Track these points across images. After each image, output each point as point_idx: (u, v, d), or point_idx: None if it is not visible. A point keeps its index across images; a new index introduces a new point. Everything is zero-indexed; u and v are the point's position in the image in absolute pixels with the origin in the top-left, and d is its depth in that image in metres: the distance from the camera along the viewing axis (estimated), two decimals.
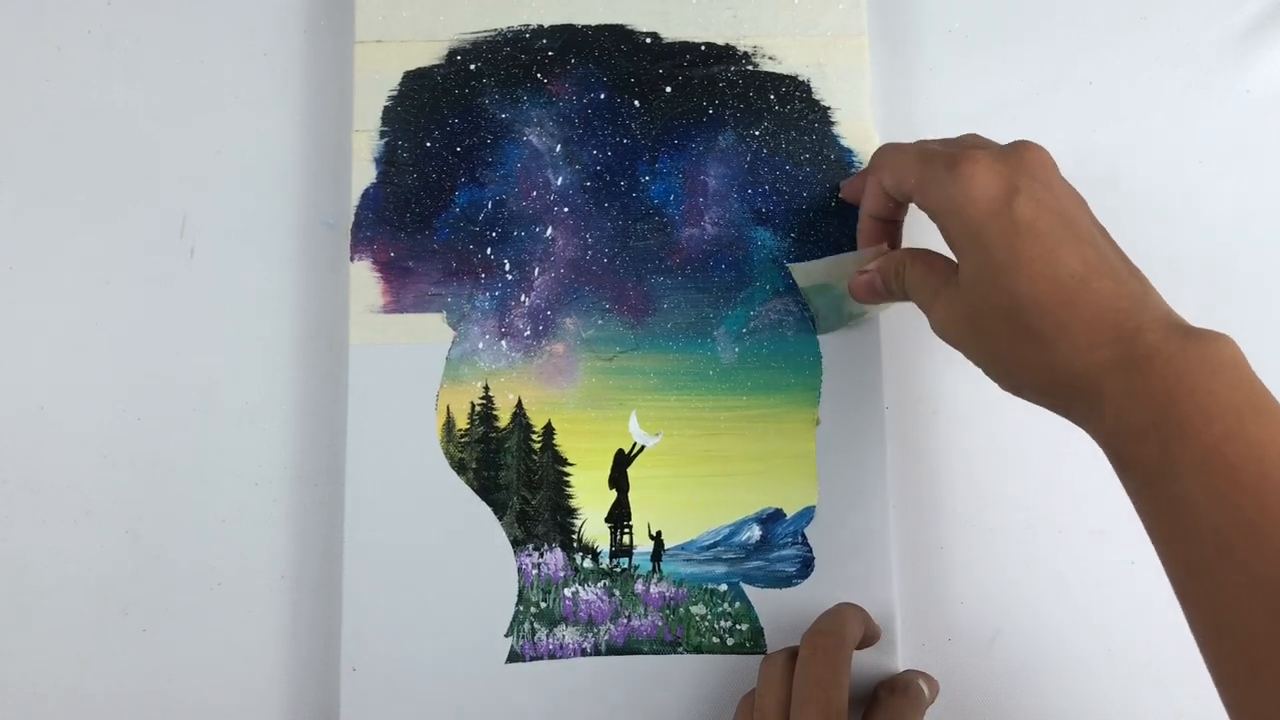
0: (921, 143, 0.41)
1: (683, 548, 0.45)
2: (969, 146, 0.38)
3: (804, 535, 0.45)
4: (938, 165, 0.37)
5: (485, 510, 0.45)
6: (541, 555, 0.45)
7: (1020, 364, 0.36)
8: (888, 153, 0.41)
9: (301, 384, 0.47)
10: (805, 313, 0.46)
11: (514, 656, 0.44)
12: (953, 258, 0.38)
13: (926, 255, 0.40)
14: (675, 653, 0.44)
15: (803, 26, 0.48)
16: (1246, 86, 0.50)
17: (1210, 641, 0.31)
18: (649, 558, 0.45)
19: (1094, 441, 0.35)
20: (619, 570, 0.45)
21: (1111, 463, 0.34)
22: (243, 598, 0.46)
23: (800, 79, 0.48)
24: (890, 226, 0.43)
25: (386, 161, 0.47)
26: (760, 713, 0.39)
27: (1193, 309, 0.35)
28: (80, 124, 0.49)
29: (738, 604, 0.44)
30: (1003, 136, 0.39)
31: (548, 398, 0.46)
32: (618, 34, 0.48)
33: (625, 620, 0.44)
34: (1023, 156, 0.36)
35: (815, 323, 0.46)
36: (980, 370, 0.38)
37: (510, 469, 0.45)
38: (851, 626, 0.40)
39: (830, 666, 0.38)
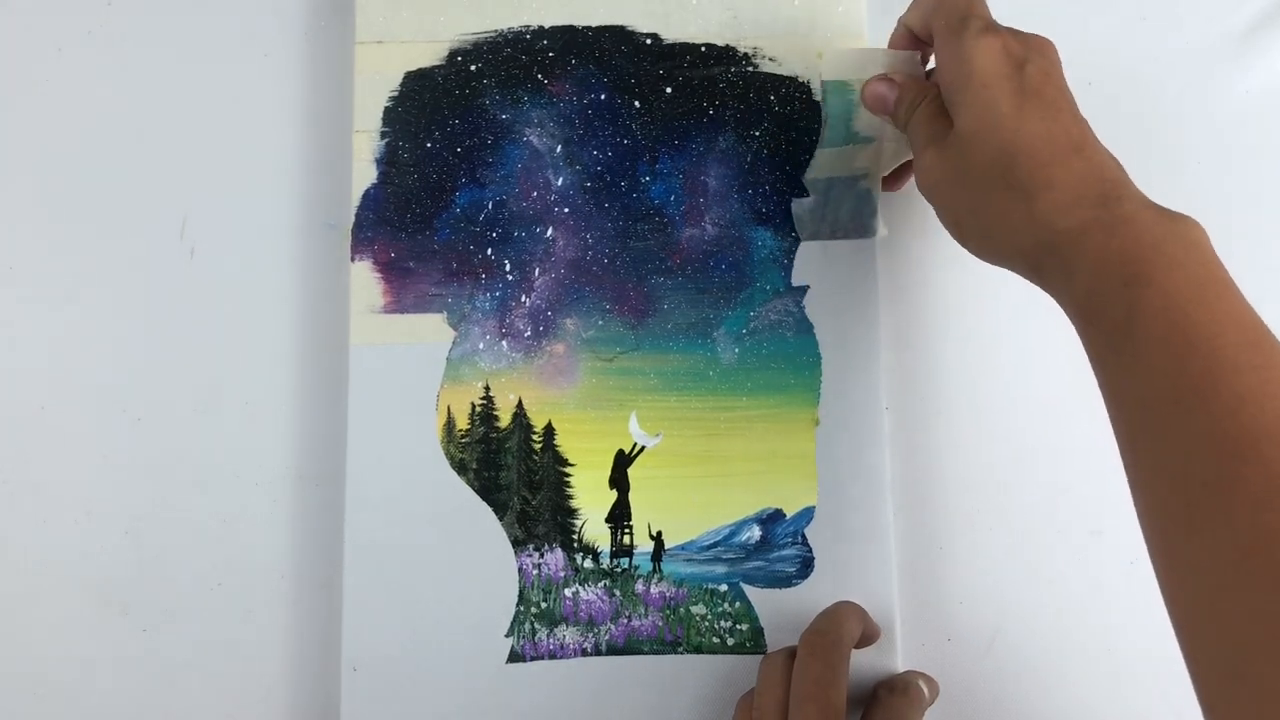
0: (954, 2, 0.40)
1: (683, 548, 0.45)
2: (991, 20, 0.39)
3: (804, 535, 0.45)
4: (966, 33, 0.38)
5: (486, 510, 0.45)
6: (542, 555, 0.45)
7: (1001, 219, 0.37)
8: (921, 7, 0.41)
9: (302, 384, 0.47)
10: (815, 128, 0.46)
11: (514, 656, 0.44)
12: None
13: (941, 102, 0.40)
14: (675, 653, 0.44)
15: (803, 27, 0.48)
16: (1246, 86, 0.50)
17: (1151, 495, 0.32)
18: (649, 558, 0.45)
19: (1064, 312, 0.36)
20: (619, 570, 0.45)
21: (1076, 324, 0.35)
22: (243, 598, 0.46)
23: (800, 80, 0.48)
24: (923, 45, 0.43)
25: (387, 162, 0.47)
26: (759, 712, 0.40)
27: None
28: (80, 124, 0.49)
29: (738, 604, 0.44)
30: None
31: (548, 398, 0.46)
32: (618, 35, 0.48)
33: (625, 620, 0.44)
34: (1038, 39, 0.39)
35: (820, 136, 0.46)
36: (958, 242, 0.40)
37: (511, 469, 0.45)
38: (849, 625, 0.40)
39: (828, 666, 0.39)
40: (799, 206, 0.46)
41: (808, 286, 0.46)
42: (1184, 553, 0.30)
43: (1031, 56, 0.37)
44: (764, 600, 0.44)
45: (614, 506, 0.45)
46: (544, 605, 0.44)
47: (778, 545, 0.45)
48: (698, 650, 0.44)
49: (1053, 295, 0.36)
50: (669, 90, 0.48)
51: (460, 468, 0.45)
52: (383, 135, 0.47)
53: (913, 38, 0.43)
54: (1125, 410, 0.33)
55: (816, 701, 0.38)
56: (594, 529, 0.45)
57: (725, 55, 0.48)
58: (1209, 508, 0.30)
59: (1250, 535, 0.28)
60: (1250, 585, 0.28)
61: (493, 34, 0.48)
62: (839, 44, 0.48)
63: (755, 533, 0.45)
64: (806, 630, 0.41)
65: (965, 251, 0.40)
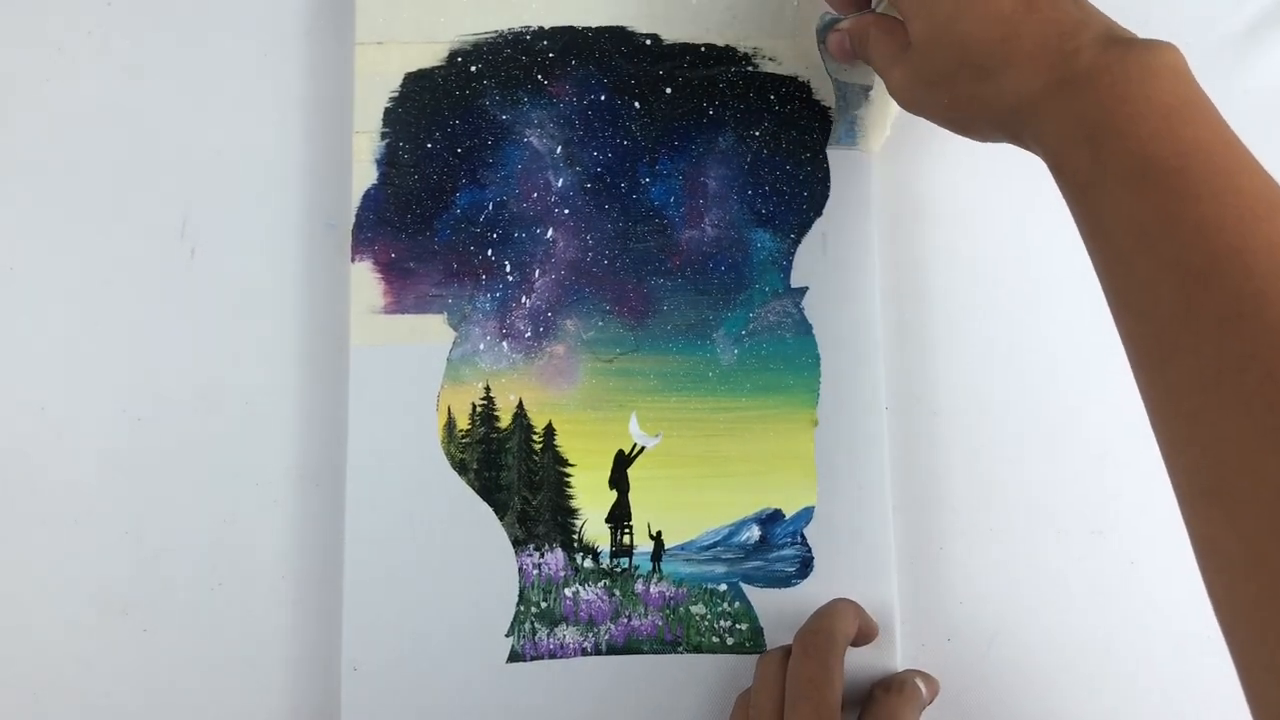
0: None
1: (683, 548, 0.45)
2: None
3: (803, 535, 0.45)
4: None
5: (486, 510, 0.45)
6: (542, 555, 0.45)
7: (974, 102, 0.38)
8: None
9: (302, 384, 0.47)
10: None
11: (514, 656, 0.44)
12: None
13: (888, 21, 0.42)
14: (675, 652, 0.44)
15: (803, 27, 0.48)
16: (1246, 86, 0.50)
17: (1128, 326, 0.33)
18: (649, 558, 0.45)
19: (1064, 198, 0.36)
20: (619, 570, 0.45)
21: (1055, 178, 0.36)
22: (243, 598, 0.46)
23: (800, 80, 0.48)
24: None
25: (387, 163, 0.47)
26: (755, 710, 0.40)
27: None
28: (80, 124, 0.49)
29: (737, 604, 0.45)
30: None
31: (548, 399, 0.46)
32: (618, 36, 0.48)
33: (625, 620, 0.44)
34: None
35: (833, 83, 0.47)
36: (945, 126, 0.40)
37: (511, 469, 0.45)
38: (844, 623, 0.41)
39: (822, 664, 0.39)
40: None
41: (807, 288, 0.46)
42: (1160, 382, 0.31)
43: None
44: (763, 600, 0.44)
45: (614, 507, 0.45)
46: (544, 605, 0.44)
47: (777, 545, 0.45)
48: (697, 650, 0.44)
49: (1034, 153, 0.37)
50: (669, 91, 0.48)
51: (461, 468, 0.45)
52: (383, 136, 0.47)
53: None
54: (1099, 252, 0.34)
55: (811, 699, 0.38)
56: (594, 529, 0.45)
57: (725, 55, 0.48)
58: (1177, 335, 0.30)
59: (1217, 360, 0.29)
60: (1219, 407, 0.29)
61: (493, 35, 0.48)
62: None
63: (755, 533, 0.45)
64: (801, 629, 0.41)
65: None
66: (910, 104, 0.41)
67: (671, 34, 0.48)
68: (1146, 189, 0.32)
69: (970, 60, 0.37)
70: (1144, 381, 0.32)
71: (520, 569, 0.45)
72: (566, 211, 0.47)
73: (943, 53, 0.38)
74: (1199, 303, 0.30)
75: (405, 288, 0.46)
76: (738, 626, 0.44)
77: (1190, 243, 0.30)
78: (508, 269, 0.46)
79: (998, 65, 0.36)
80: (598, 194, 0.47)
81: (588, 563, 0.45)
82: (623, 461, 0.45)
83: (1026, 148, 0.38)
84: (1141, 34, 0.34)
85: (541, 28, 0.48)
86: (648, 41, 0.48)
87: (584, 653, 0.44)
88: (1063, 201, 0.36)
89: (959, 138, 0.40)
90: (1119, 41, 0.35)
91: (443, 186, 0.47)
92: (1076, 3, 0.37)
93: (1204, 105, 0.33)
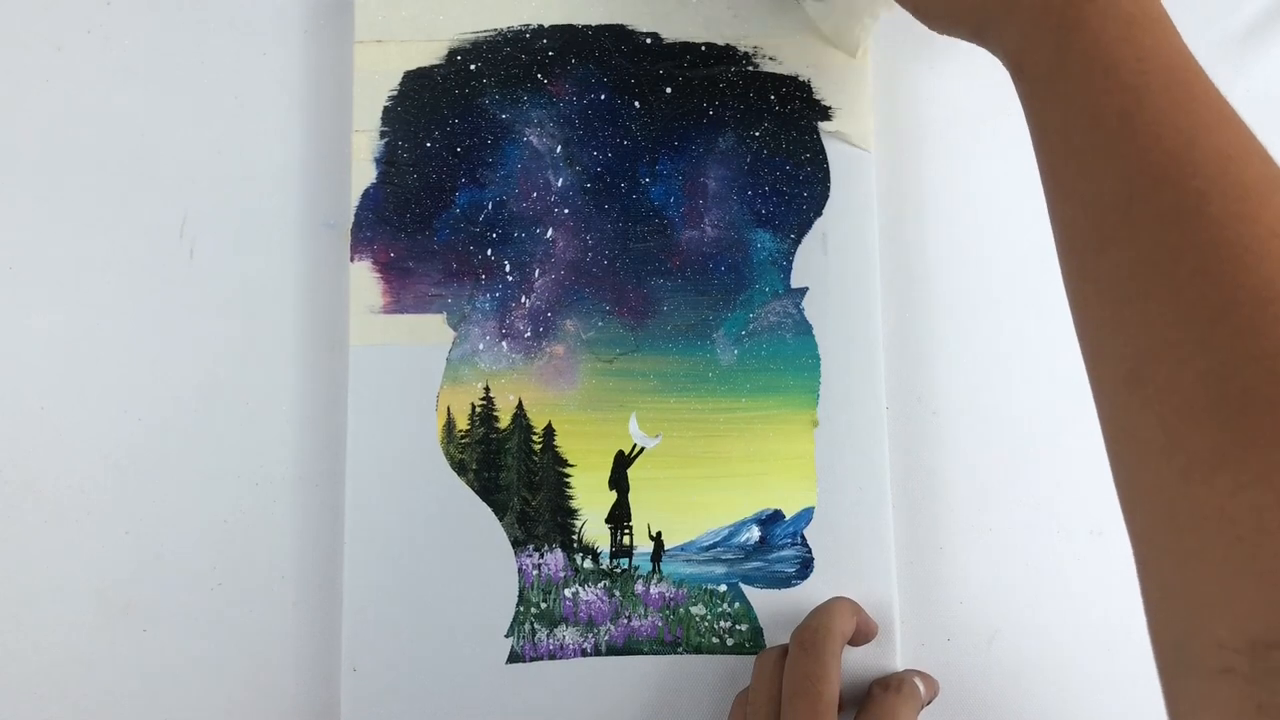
0: None
1: (682, 548, 0.45)
2: None
3: (803, 536, 0.45)
4: None
5: (485, 511, 0.45)
6: (542, 556, 0.45)
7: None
8: None
9: (302, 385, 0.47)
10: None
11: (514, 657, 0.44)
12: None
13: None
14: (675, 653, 0.44)
15: (803, 26, 0.48)
16: (1246, 86, 0.50)
17: (1067, 214, 0.33)
18: (649, 558, 0.45)
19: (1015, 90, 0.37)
20: (619, 571, 0.45)
21: (1012, 75, 0.36)
22: (243, 598, 0.46)
23: (801, 79, 0.48)
24: None
25: (386, 162, 0.47)
26: (752, 708, 0.40)
27: None
28: (80, 124, 0.49)
29: (737, 604, 0.45)
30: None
31: (548, 399, 0.46)
32: (618, 34, 0.48)
33: (625, 621, 0.44)
34: None
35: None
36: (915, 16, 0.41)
37: (511, 470, 0.45)
38: (841, 620, 0.41)
39: (818, 661, 0.39)
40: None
41: (807, 288, 0.46)
42: (1091, 269, 0.32)
43: None
44: (763, 601, 0.44)
45: (614, 507, 0.45)
46: (544, 606, 0.44)
47: (777, 546, 0.45)
48: (697, 650, 0.44)
49: (994, 54, 0.38)
50: (669, 90, 0.47)
51: (460, 468, 0.45)
52: (382, 135, 0.47)
53: None
54: (1047, 147, 0.35)
55: (808, 696, 0.38)
56: (594, 529, 0.45)
57: (725, 54, 0.48)
58: (1114, 224, 0.31)
59: (1153, 250, 0.30)
60: (1148, 294, 0.30)
61: (492, 33, 0.48)
62: (838, 42, 0.48)
63: (755, 533, 0.45)
64: (798, 627, 0.41)
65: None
66: None
67: (671, 33, 0.48)
68: (1107, 86, 0.32)
69: None
70: (1073, 268, 0.33)
71: (520, 569, 0.45)
72: (566, 211, 0.47)
73: None
74: (1143, 195, 0.31)
75: (404, 287, 0.46)
76: (738, 627, 0.44)
77: (1143, 142, 0.31)
78: (507, 269, 0.46)
79: None
80: (597, 194, 0.47)
81: (587, 563, 0.45)
82: (622, 462, 0.45)
83: (985, 45, 0.38)
84: None
85: (541, 26, 0.48)
86: (648, 40, 0.48)
87: (584, 653, 0.44)
88: None
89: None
90: None
91: (442, 186, 0.47)
92: None
93: (1164, 18, 0.34)
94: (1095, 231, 0.32)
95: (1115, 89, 0.32)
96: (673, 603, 0.45)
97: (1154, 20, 0.34)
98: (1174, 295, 0.29)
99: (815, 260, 0.46)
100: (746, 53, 0.48)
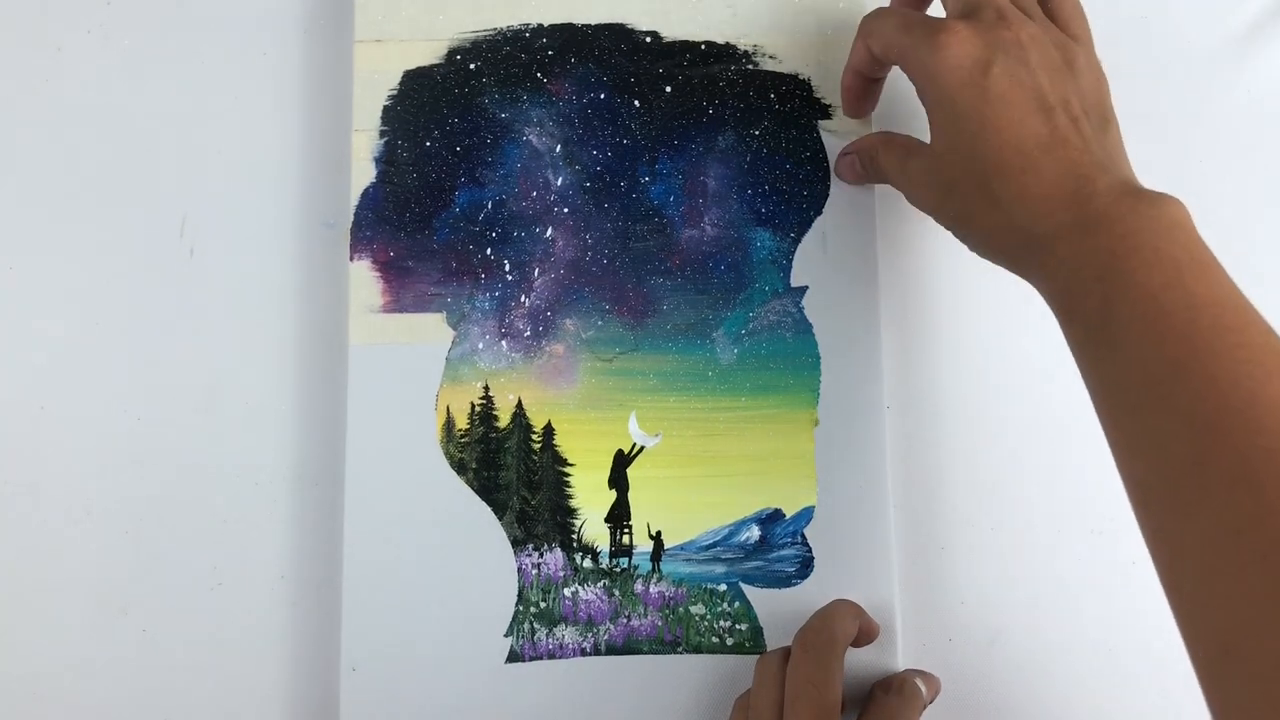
0: (907, 9, 0.42)
1: (682, 548, 0.45)
2: (953, 16, 0.40)
3: (803, 535, 0.45)
4: (918, 34, 0.39)
5: (485, 510, 0.45)
6: (541, 555, 0.45)
7: (984, 225, 0.38)
8: (875, 18, 0.42)
9: (301, 384, 0.47)
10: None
11: (514, 656, 0.44)
12: (918, 137, 0.41)
13: (892, 137, 0.43)
14: (675, 653, 0.44)
15: (803, 25, 0.48)
16: (1246, 86, 0.50)
17: (1135, 481, 0.33)
18: (649, 558, 0.45)
19: (1055, 318, 0.37)
20: (619, 570, 0.45)
21: (1059, 319, 0.36)
22: (243, 598, 0.46)
23: (801, 77, 0.48)
24: (873, 84, 0.45)
25: (386, 161, 0.47)
26: (754, 711, 0.40)
27: None
28: (80, 124, 0.49)
29: (737, 604, 0.44)
30: None
31: (548, 398, 0.46)
32: (618, 33, 0.48)
33: (625, 620, 0.44)
34: (1001, 34, 0.38)
35: None
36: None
37: (510, 469, 0.45)
38: (844, 623, 0.41)
39: (821, 664, 0.39)
40: None
41: (807, 287, 0.46)
42: (1174, 536, 0.31)
43: (997, 57, 0.37)
44: (763, 600, 0.44)
45: (613, 506, 0.45)
46: (543, 605, 0.44)
47: (777, 545, 0.45)
48: (697, 650, 0.44)
49: (1037, 289, 0.37)
50: (669, 89, 0.47)
51: (460, 467, 0.45)
52: (382, 134, 0.47)
53: (871, 59, 0.43)
54: (1106, 398, 0.34)
55: (811, 699, 0.38)
56: (593, 529, 0.45)
57: (725, 53, 0.48)
58: (1188, 490, 0.30)
59: (1233, 519, 0.29)
60: (1235, 566, 0.29)
61: (492, 32, 0.48)
62: (838, 39, 0.48)
63: (755, 533, 0.45)
64: (800, 629, 0.41)
65: (965, 251, 0.40)
66: (920, 204, 0.41)
67: (671, 31, 0.48)
68: (1158, 338, 0.32)
69: (985, 184, 0.37)
70: (1152, 529, 0.32)
71: (519, 569, 0.45)
72: (566, 210, 0.47)
73: (960, 166, 0.38)
74: (1210, 458, 0.30)
75: (404, 287, 0.46)
76: (737, 627, 0.44)
77: (1202, 394, 0.31)
78: (507, 268, 0.46)
79: (1012, 198, 0.36)
80: (597, 193, 0.47)
81: (587, 563, 0.45)
82: (622, 461, 0.45)
83: (1029, 280, 0.38)
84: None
85: (541, 25, 0.48)
86: (647, 39, 0.48)
87: (583, 653, 0.44)
88: None
89: None
90: (1131, 192, 0.35)
91: (442, 185, 0.47)
92: (1103, 144, 0.37)
93: (1211, 262, 0.33)
94: (1166, 495, 0.31)
95: (1167, 341, 0.32)
96: (672, 602, 0.45)
97: (1201, 265, 0.33)
98: (1263, 561, 0.28)
99: (815, 259, 0.46)
100: (746, 51, 0.48)
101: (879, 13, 0.42)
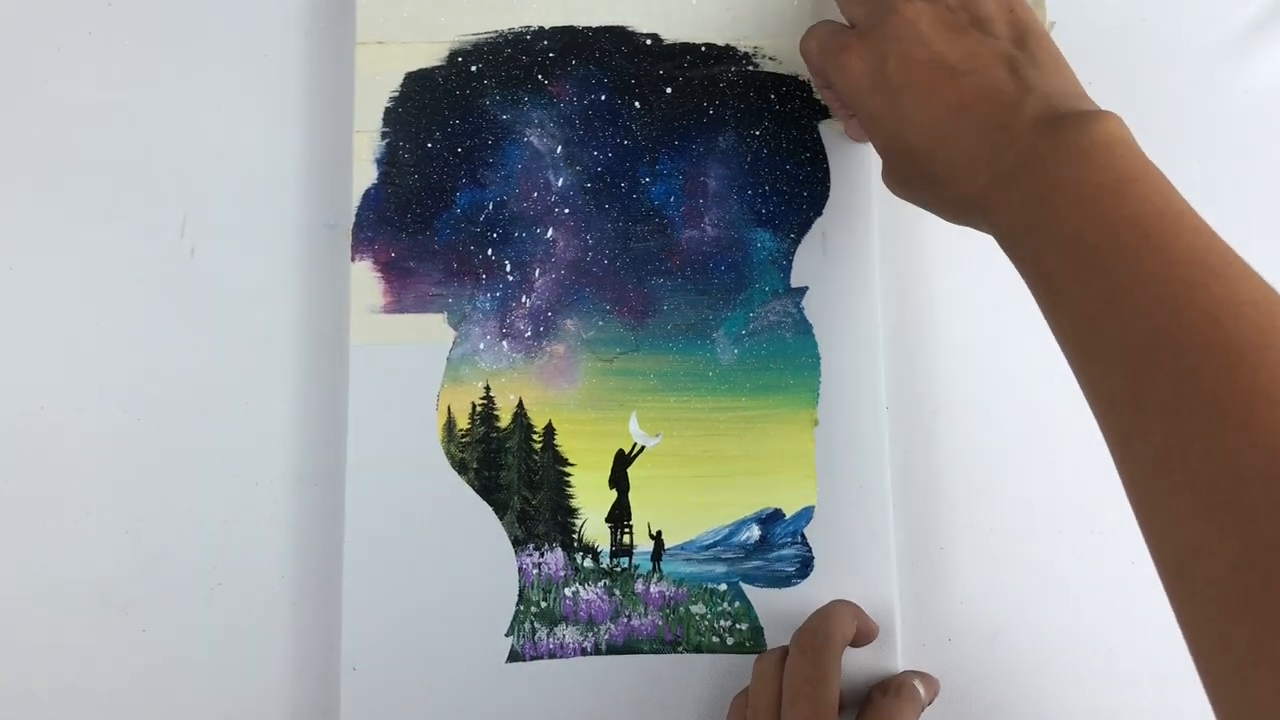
0: (824, 27, 0.43)
1: (682, 547, 0.45)
2: (850, 32, 0.40)
3: (803, 535, 0.45)
4: (829, 57, 0.40)
5: (486, 510, 0.45)
6: (542, 555, 0.45)
7: (937, 205, 0.39)
8: (805, 39, 0.44)
9: (302, 384, 0.47)
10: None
11: (514, 656, 0.44)
12: None
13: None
14: (675, 652, 0.44)
15: (803, 26, 0.48)
16: (1246, 86, 0.50)
17: (1091, 403, 0.33)
18: (649, 557, 0.45)
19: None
20: (619, 570, 0.45)
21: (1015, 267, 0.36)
22: (243, 598, 0.46)
23: (801, 79, 0.48)
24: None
25: (387, 162, 0.47)
26: (752, 711, 0.40)
27: None
28: (80, 124, 0.49)
29: (737, 603, 0.45)
30: None
31: (548, 398, 0.46)
32: (618, 35, 0.48)
33: (625, 620, 0.44)
34: (889, 23, 0.38)
35: None
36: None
37: (511, 469, 0.45)
38: (842, 624, 0.41)
39: (819, 664, 0.39)
40: None
41: (807, 288, 0.46)
42: (1122, 460, 0.31)
43: (889, 49, 0.38)
44: (763, 600, 0.44)
45: (614, 506, 0.45)
46: (544, 605, 0.44)
47: (777, 545, 0.45)
48: (697, 650, 0.44)
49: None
50: (669, 90, 0.48)
51: (460, 467, 0.45)
52: (383, 135, 0.47)
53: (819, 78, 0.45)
54: (1060, 336, 0.34)
55: (808, 700, 0.38)
56: (594, 529, 0.45)
57: (725, 55, 0.48)
58: (1131, 419, 0.31)
59: (1165, 441, 0.29)
60: (1172, 490, 0.29)
61: (493, 34, 0.48)
62: None
63: (755, 532, 0.45)
64: (799, 629, 0.41)
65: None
66: (900, 196, 0.41)
67: (672, 33, 0.48)
68: (1087, 275, 0.32)
69: (920, 170, 0.38)
70: (1111, 449, 0.32)
71: (520, 569, 0.45)
72: (566, 211, 0.47)
73: (899, 162, 0.39)
74: (1143, 390, 0.30)
75: (405, 287, 0.46)
76: (738, 626, 0.44)
77: (1129, 326, 0.31)
78: (508, 268, 0.46)
79: (944, 172, 0.37)
80: (598, 194, 0.47)
81: (587, 562, 0.45)
82: (623, 461, 0.45)
83: (990, 234, 0.38)
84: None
85: (542, 27, 0.48)
86: (648, 41, 0.48)
87: (584, 653, 0.44)
88: None
89: None
90: (1051, 122, 0.34)
91: (443, 186, 0.47)
92: (1017, 73, 0.36)
93: (1139, 177, 0.33)
94: (1115, 425, 0.31)
95: (1094, 277, 0.32)
96: (673, 602, 0.45)
97: (1127, 183, 0.32)
98: (1191, 487, 0.28)
99: (815, 260, 0.46)
100: (746, 53, 0.48)
101: (807, 33, 0.43)
